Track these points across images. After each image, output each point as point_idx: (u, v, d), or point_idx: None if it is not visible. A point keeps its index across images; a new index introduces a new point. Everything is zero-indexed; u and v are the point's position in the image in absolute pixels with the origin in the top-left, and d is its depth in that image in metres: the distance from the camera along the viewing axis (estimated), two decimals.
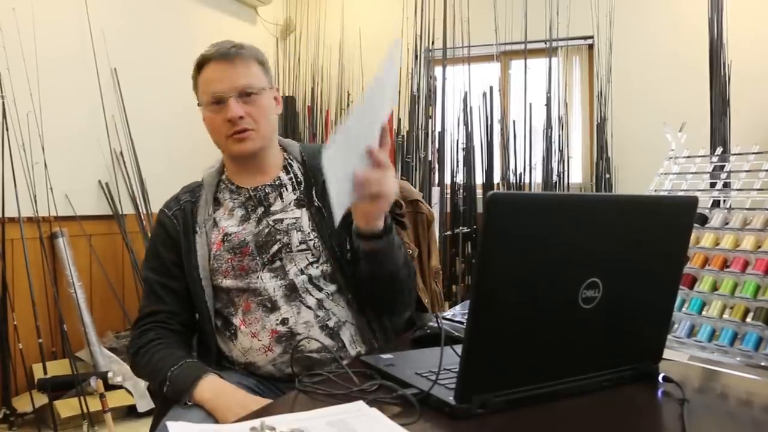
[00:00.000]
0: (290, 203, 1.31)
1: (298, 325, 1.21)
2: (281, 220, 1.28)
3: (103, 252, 3.24)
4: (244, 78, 1.26)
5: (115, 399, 2.78)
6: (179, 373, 1.16)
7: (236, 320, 1.24)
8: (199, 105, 1.31)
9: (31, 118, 2.82)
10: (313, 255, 1.26)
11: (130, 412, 2.90)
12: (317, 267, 1.26)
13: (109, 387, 2.71)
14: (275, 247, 1.26)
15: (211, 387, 1.12)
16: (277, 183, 1.33)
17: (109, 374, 2.72)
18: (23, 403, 2.67)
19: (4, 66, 2.69)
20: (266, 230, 1.27)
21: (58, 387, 2.69)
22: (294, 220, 1.29)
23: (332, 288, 1.26)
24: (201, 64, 1.29)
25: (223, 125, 1.26)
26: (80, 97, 3.16)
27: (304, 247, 1.26)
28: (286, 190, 1.33)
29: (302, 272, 1.25)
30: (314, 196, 1.31)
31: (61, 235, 2.94)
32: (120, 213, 3.25)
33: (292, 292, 1.23)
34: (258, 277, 1.24)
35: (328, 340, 1.22)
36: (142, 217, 3.30)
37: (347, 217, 1.20)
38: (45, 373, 2.70)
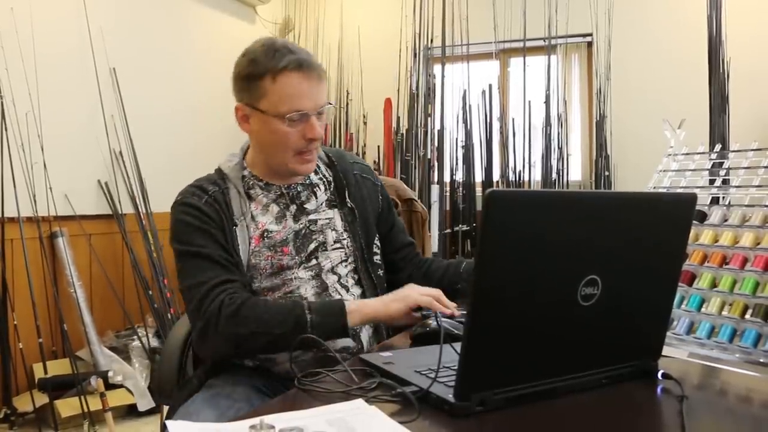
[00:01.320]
0: (323, 203, 1.33)
1: None
2: (316, 221, 1.30)
3: (102, 251, 3.24)
4: (324, 95, 1.25)
5: (116, 398, 2.78)
6: (314, 303, 1.16)
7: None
8: (255, 109, 1.23)
9: (30, 118, 2.81)
10: (345, 254, 1.31)
11: (130, 412, 2.90)
12: (346, 266, 1.30)
13: (110, 386, 2.71)
14: (312, 246, 1.28)
15: (353, 302, 1.17)
16: (308, 182, 1.34)
17: (110, 373, 2.73)
18: (24, 403, 2.67)
19: (3, 66, 2.69)
20: (304, 230, 1.28)
21: (58, 386, 2.69)
22: (328, 220, 1.31)
23: (358, 291, 1.30)
24: (278, 69, 1.19)
25: (299, 141, 1.22)
26: (79, 96, 3.16)
27: (338, 245, 1.30)
28: (319, 189, 1.34)
29: (333, 270, 1.28)
30: (347, 197, 1.34)
31: (60, 234, 2.94)
32: (120, 212, 3.25)
33: (323, 291, 1.26)
34: (293, 275, 1.25)
35: (350, 342, 1.24)
36: (142, 216, 3.30)
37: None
38: (45, 372, 2.70)
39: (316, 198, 1.33)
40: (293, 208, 1.30)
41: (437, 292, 1.18)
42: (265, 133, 1.24)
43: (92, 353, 2.89)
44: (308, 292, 1.24)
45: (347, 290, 1.29)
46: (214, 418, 1.07)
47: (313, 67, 1.21)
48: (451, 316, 1.11)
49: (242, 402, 1.15)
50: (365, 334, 1.28)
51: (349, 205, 1.34)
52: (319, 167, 1.38)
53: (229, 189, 1.28)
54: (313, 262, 1.27)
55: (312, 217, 1.30)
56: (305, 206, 1.31)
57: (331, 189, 1.36)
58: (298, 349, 1.17)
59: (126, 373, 2.89)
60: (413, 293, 1.17)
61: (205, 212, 1.23)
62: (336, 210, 1.34)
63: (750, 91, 3.45)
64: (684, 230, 0.95)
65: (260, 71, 1.20)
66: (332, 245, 1.30)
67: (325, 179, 1.37)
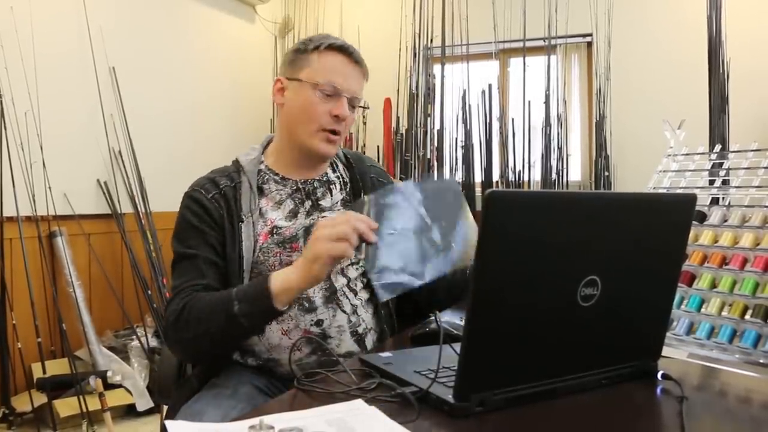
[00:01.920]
0: (338, 202, 1.33)
1: (331, 328, 1.23)
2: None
3: (101, 251, 3.24)
4: (360, 89, 1.31)
5: (115, 398, 2.78)
6: (242, 289, 1.10)
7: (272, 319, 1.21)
8: (293, 79, 1.26)
9: (30, 117, 2.81)
10: (355, 256, 1.28)
11: (129, 411, 2.89)
12: (357, 268, 1.29)
13: (109, 386, 2.70)
14: None
15: (280, 273, 1.09)
16: (324, 179, 1.34)
17: (109, 373, 2.72)
18: (22, 403, 2.67)
19: (2, 65, 2.69)
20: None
21: (57, 386, 2.69)
22: None
23: (366, 296, 1.29)
24: (328, 47, 1.27)
25: (324, 116, 1.25)
26: (78, 96, 3.16)
27: None
28: (335, 187, 1.35)
29: (343, 273, 1.27)
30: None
31: (59, 234, 2.94)
32: (119, 212, 3.25)
33: (331, 294, 1.25)
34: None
35: (355, 346, 1.24)
36: (141, 216, 3.30)
37: None
38: (44, 372, 2.69)
39: (332, 196, 1.33)
40: (308, 204, 1.30)
41: (343, 225, 1.02)
42: (296, 102, 1.27)
43: (91, 353, 2.89)
44: (316, 294, 1.23)
45: (355, 294, 1.28)
46: (219, 418, 1.07)
47: (358, 59, 1.30)
48: (369, 242, 1.03)
49: (245, 402, 1.14)
50: (370, 340, 1.28)
51: None
52: (336, 165, 1.38)
53: (242, 183, 1.28)
54: None
55: (326, 214, 1.30)
56: (320, 203, 1.31)
57: (347, 189, 1.36)
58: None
59: (125, 373, 2.89)
60: (321, 247, 1.02)
61: (207, 209, 1.24)
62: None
63: (750, 91, 3.45)
64: (684, 231, 0.95)
65: (309, 47, 1.28)
66: None
67: (341, 179, 1.37)
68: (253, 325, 1.11)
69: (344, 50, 1.27)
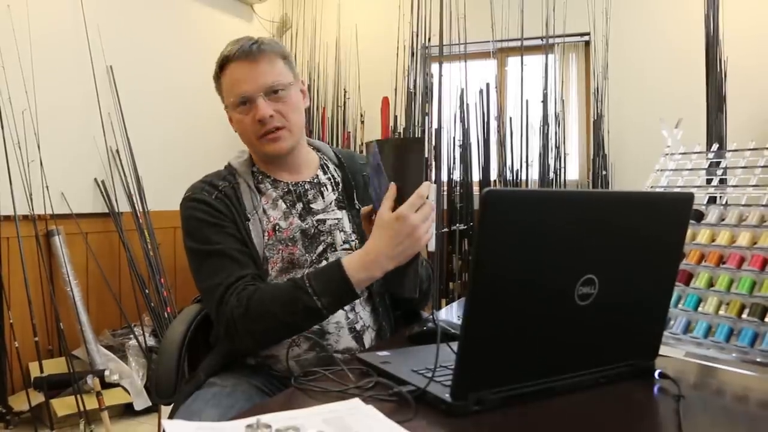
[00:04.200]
0: (331, 203, 1.33)
1: (329, 324, 1.22)
2: (324, 221, 1.30)
3: (99, 250, 3.24)
4: (270, 76, 1.24)
5: (112, 397, 2.77)
6: (314, 281, 1.10)
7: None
8: (225, 107, 1.28)
9: (27, 116, 2.80)
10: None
11: (127, 411, 2.89)
12: None
13: (106, 385, 2.70)
14: (321, 247, 1.28)
15: (357, 264, 1.09)
16: (315, 181, 1.34)
17: (106, 372, 2.72)
18: (19, 402, 2.67)
19: None
20: (312, 229, 1.28)
21: (54, 385, 2.69)
22: (336, 221, 1.31)
23: (365, 293, 1.29)
24: (223, 65, 1.26)
25: (253, 126, 1.24)
26: (76, 94, 3.15)
27: (347, 246, 1.29)
28: (326, 189, 1.34)
29: None
30: (355, 198, 1.34)
31: (57, 233, 2.93)
32: (116, 211, 3.24)
33: None
34: (303, 274, 1.24)
35: (353, 343, 1.24)
36: (139, 214, 3.29)
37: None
38: (41, 371, 2.69)
39: (323, 198, 1.33)
40: (299, 206, 1.30)
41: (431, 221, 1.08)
42: (235, 126, 1.29)
43: (88, 352, 2.88)
44: None
45: None
46: (217, 417, 1.07)
47: (252, 52, 1.23)
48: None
49: (244, 401, 1.14)
50: (368, 336, 1.28)
51: (357, 206, 1.33)
52: (327, 167, 1.38)
53: (239, 184, 1.29)
54: (323, 262, 1.26)
55: (320, 217, 1.30)
56: (311, 205, 1.31)
57: (339, 190, 1.36)
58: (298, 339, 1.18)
59: (122, 372, 2.88)
60: (423, 243, 1.07)
61: (215, 207, 1.24)
62: (345, 211, 1.33)
63: (747, 90, 3.45)
64: (681, 230, 0.95)
65: (215, 73, 1.29)
66: (341, 246, 1.29)
67: (333, 180, 1.37)
68: (334, 312, 1.13)
69: (235, 57, 1.24)
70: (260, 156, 1.32)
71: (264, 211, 1.27)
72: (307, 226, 1.28)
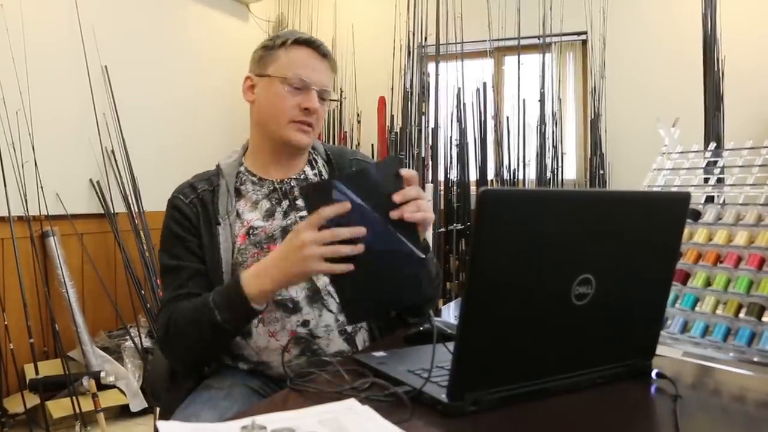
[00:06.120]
0: None
1: (318, 328, 1.21)
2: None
3: (94, 251, 3.22)
4: (329, 81, 1.30)
5: (108, 399, 2.77)
6: (218, 296, 1.10)
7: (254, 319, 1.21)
8: (261, 75, 1.27)
9: (21, 116, 2.79)
10: None
11: (122, 412, 2.89)
12: None
13: (102, 387, 2.69)
14: None
15: (251, 273, 1.08)
16: (302, 177, 1.33)
17: (102, 374, 2.71)
18: (15, 404, 2.65)
19: None
20: (293, 226, 1.25)
21: (50, 387, 2.67)
22: None
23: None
24: (295, 42, 1.27)
25: (293, 108, 1.24)
26: (70, 94, 3.14)
27: None
28: None
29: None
30: None
31: (52, 234, 2.92)
32: (111, 211, 3.23)
33: (314, 294, 1.23)
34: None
35: (345, 345, 1.23)
36: (134, 215, 3.28)
37: None
38: (37, 373, 2.68)
39: None
40: (285, 203, 1.29)
41: (333, 247, 0.98)
42: (266, 97, 1.27)
43: (84, 353, 2.87)
44: (299, 294, 1.22)
45: None
46: (215, 419, 1.06)
47: (326, 52, 1.29)
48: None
49: (241, 403, 1.14)
50: (360, 338, 1.27)
51: None
52: (316, 162, 1.37)
53: (219, 186, 1.29)
54: None
55: (304, 213, 1.29)
56: (297, 202, 1.30)
57: None
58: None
59: (118, 373, 2.87)
60: (312, 266, 0.99)
61: (185, 215, 1.26)
62: None
63: (744, 89, 3.46)
64: (678, 229, 0.95)
65: (277, 43, 1.27)
66: None
67: (319, 176, 1.35)
68: (237, 327, 1.13)
69: (311, 44, 1.27)
70: (273, 141, 1.29)
71: (238, 215, 1.27)
72: (289, 222, 1.27)
